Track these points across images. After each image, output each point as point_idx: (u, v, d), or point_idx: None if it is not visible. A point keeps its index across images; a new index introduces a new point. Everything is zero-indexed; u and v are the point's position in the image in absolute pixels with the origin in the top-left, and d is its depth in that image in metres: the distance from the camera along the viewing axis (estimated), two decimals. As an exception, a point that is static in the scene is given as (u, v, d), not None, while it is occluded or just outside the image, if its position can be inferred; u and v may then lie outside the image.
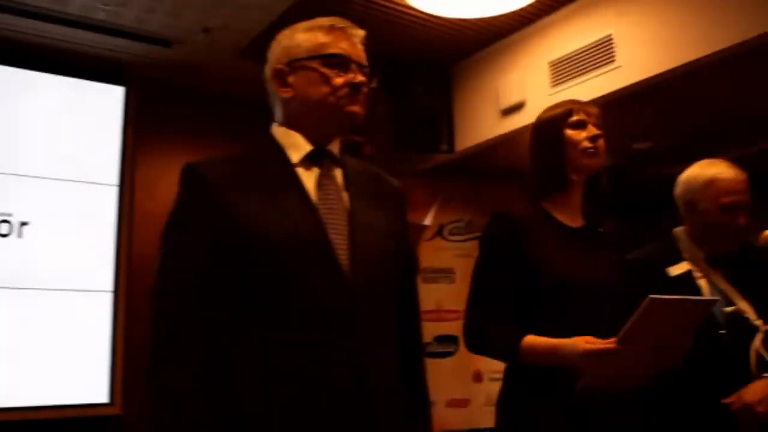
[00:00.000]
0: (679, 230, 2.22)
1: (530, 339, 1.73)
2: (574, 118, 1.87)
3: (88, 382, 3.94)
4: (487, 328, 1.80)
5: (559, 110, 1.91)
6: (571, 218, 1.91)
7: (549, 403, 1.72)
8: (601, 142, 1.86)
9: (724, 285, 2.06)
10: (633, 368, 1.67)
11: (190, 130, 4.70)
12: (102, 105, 4.28)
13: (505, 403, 1.85)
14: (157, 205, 4.48)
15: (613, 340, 1.59)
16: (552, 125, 1.89)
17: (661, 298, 1.58)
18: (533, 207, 1.91)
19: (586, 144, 1.84)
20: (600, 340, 1.61)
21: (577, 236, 1.88)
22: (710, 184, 2.08)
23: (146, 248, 4.42)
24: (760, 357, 1.96)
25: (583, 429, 1.71)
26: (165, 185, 4.51)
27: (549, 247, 1.81)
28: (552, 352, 1.68)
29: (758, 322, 1.99)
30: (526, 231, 1.82)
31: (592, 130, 1.85)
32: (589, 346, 1.60)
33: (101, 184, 4.21)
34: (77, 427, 3.94)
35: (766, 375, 1.94)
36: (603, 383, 1.66)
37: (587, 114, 1.88)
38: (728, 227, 2.05)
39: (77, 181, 4.14)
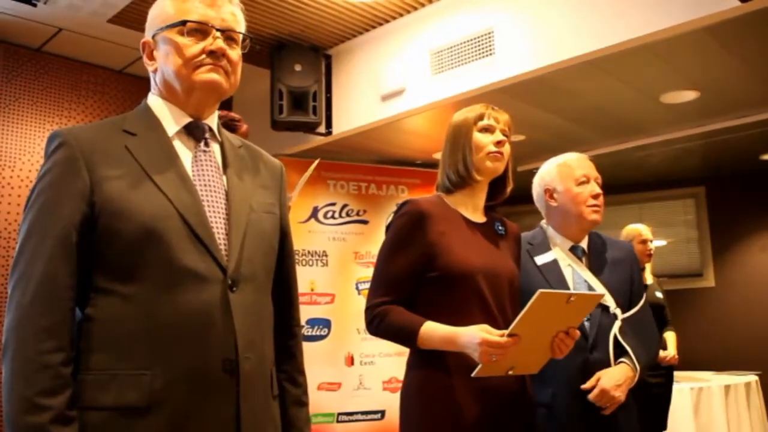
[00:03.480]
0: (544, 223, 2.36)
1: (430, 325, 1.80)
2: (484, 122, 1.97)
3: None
4: (388, 312, 1.86)
5: (471, 114, 2.00)
6: (473, 214, 2.00)
7: (458, 385, 1.79)
8: (506, 148, 1.97)
9: (586, 274, 2.19)
10: (525, 358, 1.74)
11: (56, 98, 4.41)
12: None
13: (412, 390, 1.89)
14: (18, 175, 4.20)
15: (504, 332, 1.66)
16: (462, 127, 1.99)
17: (550, 292, 1.66)
18: (439, 199, 2.00)
19: (491, 148, 1.94)
20: (496, 331, 1.69)
21: (478, 230, 1.98)
22: (562, 166, 2.27)
23: (1, 221, 4.13)
24: (617, 343, 2.09)
25: (491, 408, 1.80)
26: (27, 155, 4.22)
27: (451, 236, 1.89)
28: (451, 339, 1.76)
29: (617, 311, 2.13)
30: (432, 220, 1.90)
31: (499, 136, 1.96)
32: (486, 336, 1.67)
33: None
34: None
35: (622, 360, 2.08)
36: (498, 373, 1.73)
37: (497, 120, 1.98)
38: (587, 200, 2.20)
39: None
